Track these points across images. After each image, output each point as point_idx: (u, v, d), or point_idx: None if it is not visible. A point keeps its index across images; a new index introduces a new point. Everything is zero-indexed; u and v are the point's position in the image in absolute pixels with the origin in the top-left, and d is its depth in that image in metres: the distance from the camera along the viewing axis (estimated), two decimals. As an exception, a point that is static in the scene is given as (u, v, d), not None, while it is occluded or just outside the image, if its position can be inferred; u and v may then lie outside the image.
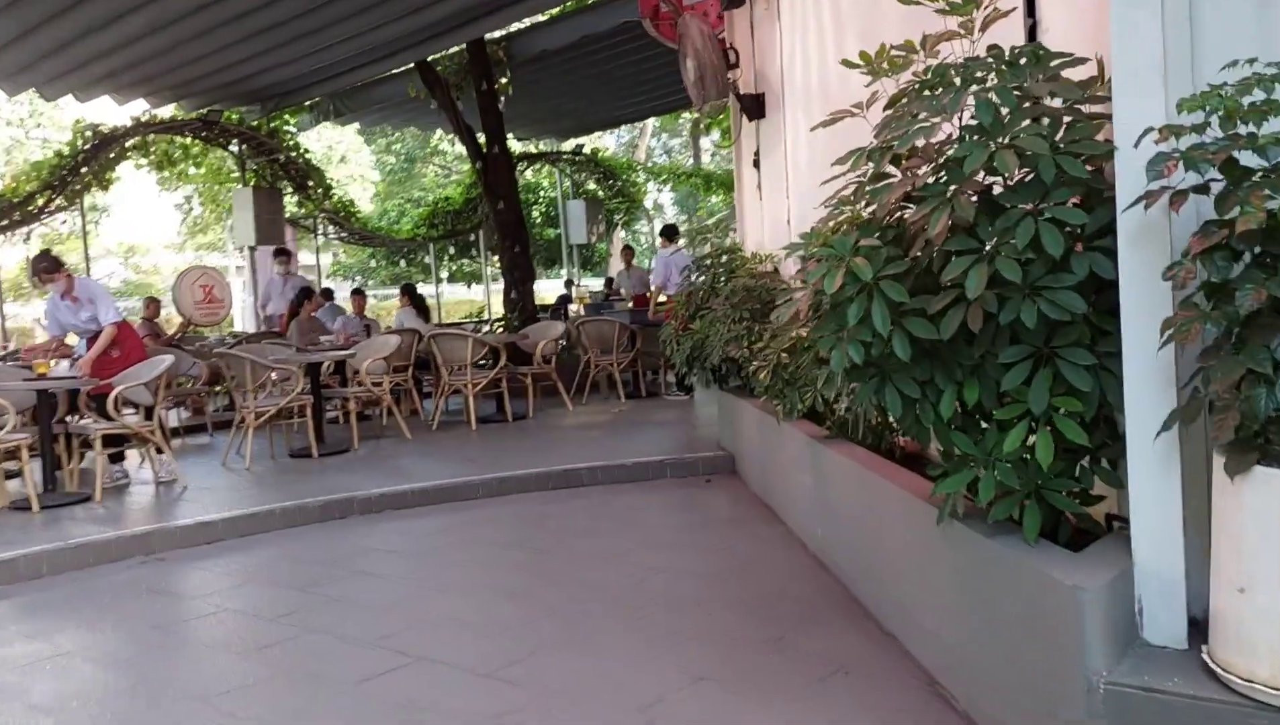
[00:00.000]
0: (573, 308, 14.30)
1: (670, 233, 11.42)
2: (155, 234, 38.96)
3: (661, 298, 12.18)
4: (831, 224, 3.21)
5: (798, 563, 4.92)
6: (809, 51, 6.42)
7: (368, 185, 34.73)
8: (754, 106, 7.54)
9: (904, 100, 3.05)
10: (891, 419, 3.12)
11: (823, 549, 4.83)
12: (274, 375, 8.71)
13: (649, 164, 24.93)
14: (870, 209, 3.07)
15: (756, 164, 7.80)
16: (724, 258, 7.38)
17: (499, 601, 4.67)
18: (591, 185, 20.77)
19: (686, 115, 23.77)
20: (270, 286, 13.21)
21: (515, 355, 10.92)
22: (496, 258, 20.77)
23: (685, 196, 46.00)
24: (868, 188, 3.06)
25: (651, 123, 42.58)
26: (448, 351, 9.95)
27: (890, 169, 3.04)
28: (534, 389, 10.64)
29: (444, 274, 23.56)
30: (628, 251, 14.70)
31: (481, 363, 10.23)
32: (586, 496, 6.93)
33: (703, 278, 7.43)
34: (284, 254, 13.16)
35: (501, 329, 13.51)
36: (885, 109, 3.15)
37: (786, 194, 7.11)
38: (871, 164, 3.11)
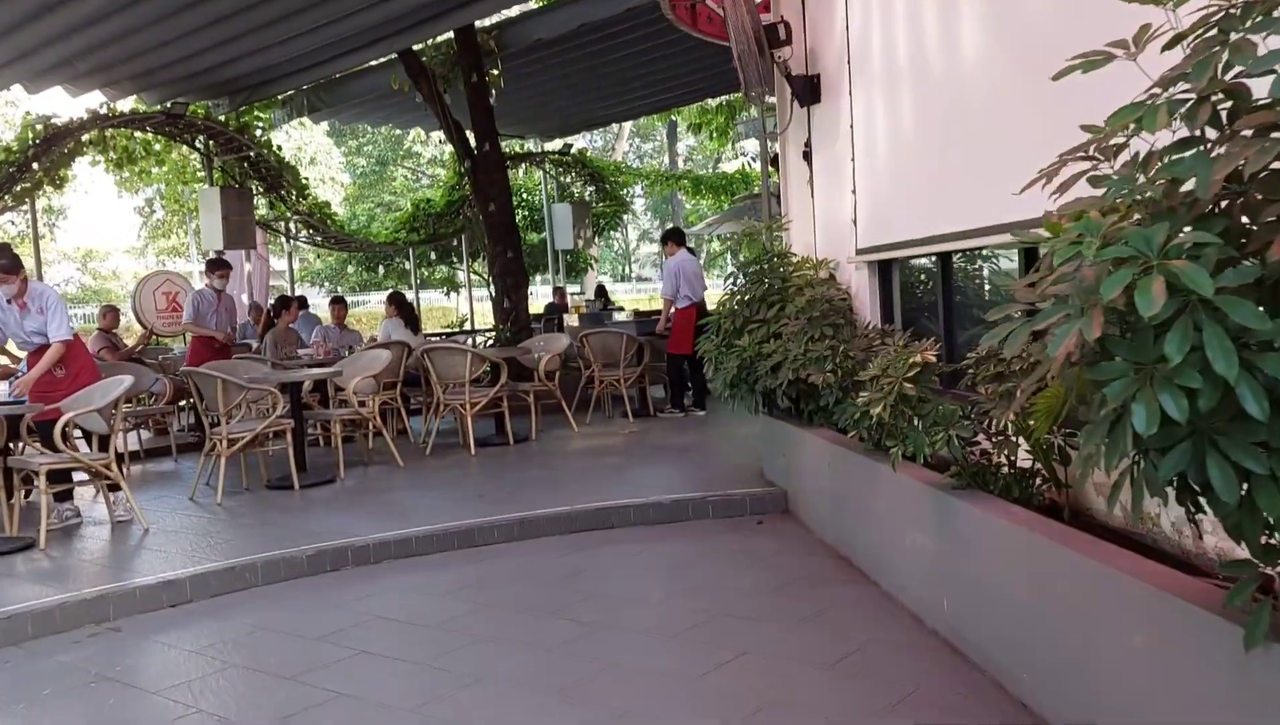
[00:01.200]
0: (567, 318, 13.29)
1: (676, 237, 10.46)
2: (114, 238, 37.44)
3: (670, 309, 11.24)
4: (1090, 212, 2.23)
5: (920, 644, 3.95)
6: (892, 23, 5.48)
7: (338, 188, 33.52)
8: (807, 90, 6.60)
9: (1209, 31, 2.09)
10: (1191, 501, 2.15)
11: (955, 629, 3.87)
12: (249, 396, 7.65)
13: (631, 167, 23.96)
14: (1171, 189, 2.10)
15: (807, 156, 6.85)
16: (777, 264, 6.41)
17: (553, 703, 3.66)
18: (578, 188, 19.79)
19: (677, 115, 22.86)
20: (200, 302, 9.93)
21: (515, 370, 9.92)
22: (479, 264, 19.83)
23: (659, 203, 45.18)
24: (1168, 159, 2.09)
25: (628, 126, 41.72)
26: (443, 368, 8.92)
27: (1208, 131, 2.07)
28: (536, 408, 9.64)
29: (419, 280, 22.44)
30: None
31: (479, 380, 9.20)
32: (621, 542, 5.93)
33: (746, 286, 6.45)
34: (221, 267, 10.25)
35: (492, 341, 12.47)
36: (1166, 49, 2.20)
37: (852, 188, 6.17)
38: (1137, 126, 2.15)
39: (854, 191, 6.17)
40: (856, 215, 6.16)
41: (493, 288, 12.91)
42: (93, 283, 40.12)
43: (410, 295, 19.03)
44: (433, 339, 12.72)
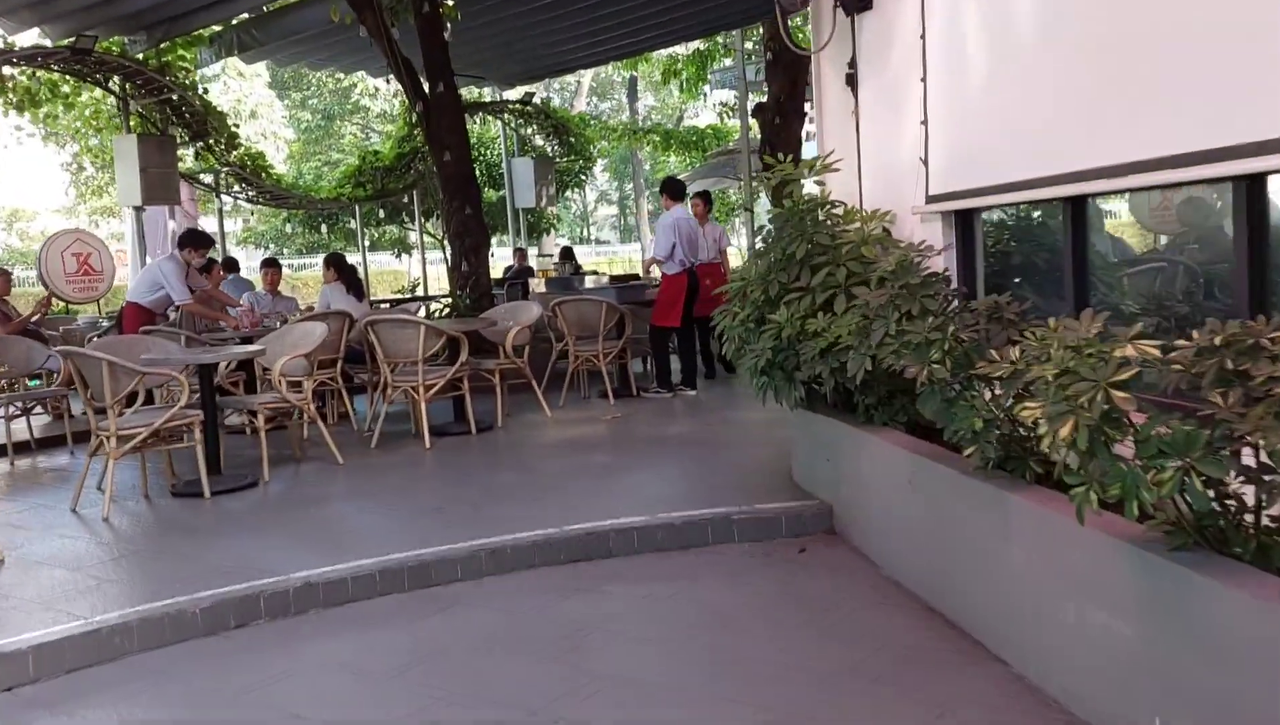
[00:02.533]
0: (534, 283, 11.79)
1: (674, 190, 9.00)
2: (44, 197, 35.11)
3: (656, 272, 9.78)
4: None
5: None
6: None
7: (281, 144, 31.48)
8: (855, -5, 5.16)
9: None
10: None
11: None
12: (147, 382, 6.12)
13: (598, 119, 22.32)
14: None
15: (852, 81, 5.42)
16: (822, 217, 4.99)
17: None
18: (540, 141, 18.20)
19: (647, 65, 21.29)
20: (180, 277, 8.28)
21: (476, 345, 8.44)
22: (434, 223, 18.20)
23: (618, 162, 43.48)
24: None
25: (586, 82, 39.92)
26: (391, 343, 7.41)
27: None
28: (502, 389, 8.18)
29: (366, 242, 20.73)
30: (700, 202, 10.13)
31: (435, 356, 7.72)
32: (626, 580, 4.53)
33: (783, 243, 5.03)
34: (201, 243, 8.52)
35: (449, 310, 10.96)
36: None
37: (921, 117, 4.76)
38: None
39: (924, 122, 4.76)
40: (927, 152, 4.75)
41: (448, 249, 11.39)
42: (19, 245, 37.71)
43: (356, 257, 17.43)
44: (381, 307, 11.20)
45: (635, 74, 39.49)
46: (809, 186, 5.31)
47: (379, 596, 4.44)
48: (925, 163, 4.77)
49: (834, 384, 4.58)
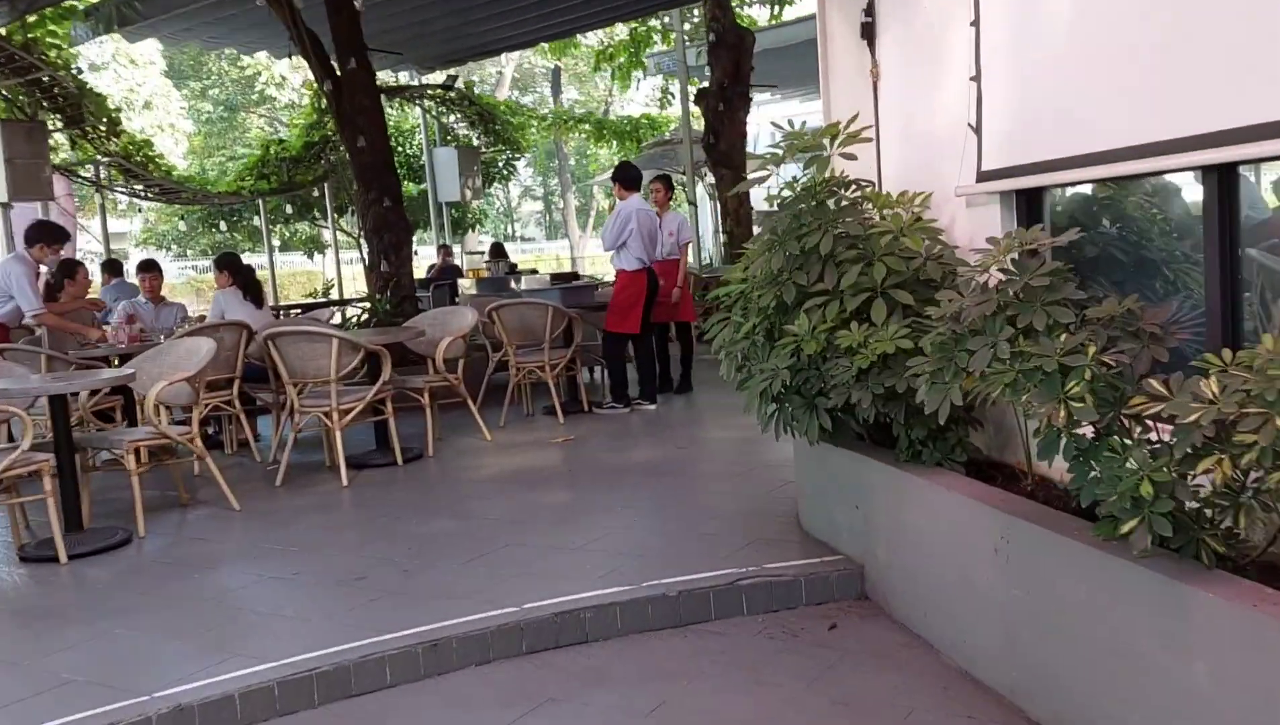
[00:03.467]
0: (464, 284, 10.58)
1: (629, 177, 7.90)
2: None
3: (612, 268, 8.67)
4: None
5: None
6: None
7: (179, 137, 29.51)
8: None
9: None
10: None
11: None
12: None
13: (527, 107, 21.03)
14: None
15: (868, 32, 4.38)
16: (847, 203, 3.94)
17: None
18: (464, 130, 16.95)
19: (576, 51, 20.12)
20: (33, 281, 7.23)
21: (400, 356, 7.25)
22: (348, 220, 16.81)
23: (542, 156, 42.16)
24: None
25: (509, 72, 38.53)
26: (297, 360, 6.19)
27: None
28: (432, 409, 7.01)
29: (276, 241, 19.20)
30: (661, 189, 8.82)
31: (353, 372, 6.50)
32: (614, 683, 3.43)
33: (796, 234, 3.97)
34: (54, 238, 7.47)
35: (367, 316, 9.70)
36: None
37: (972, 72, 3.74)
38: None
39: (974, 77, 3.74)
40: (980, 116, 3.74)
41: (365, 247, 10.13)
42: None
43: (261, 258, 15.97)
44: (289, 315, 9.90)
45: (559, 64, 38.30)
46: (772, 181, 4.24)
47: (279, 717, 3.28)
48: (976, 130, 3.76)
49: (874, 414, 3.54)
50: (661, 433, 7.12)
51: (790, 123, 4.11)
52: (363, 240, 10.12)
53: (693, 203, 15.54)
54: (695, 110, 15.09)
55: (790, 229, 3.89)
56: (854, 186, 4.03)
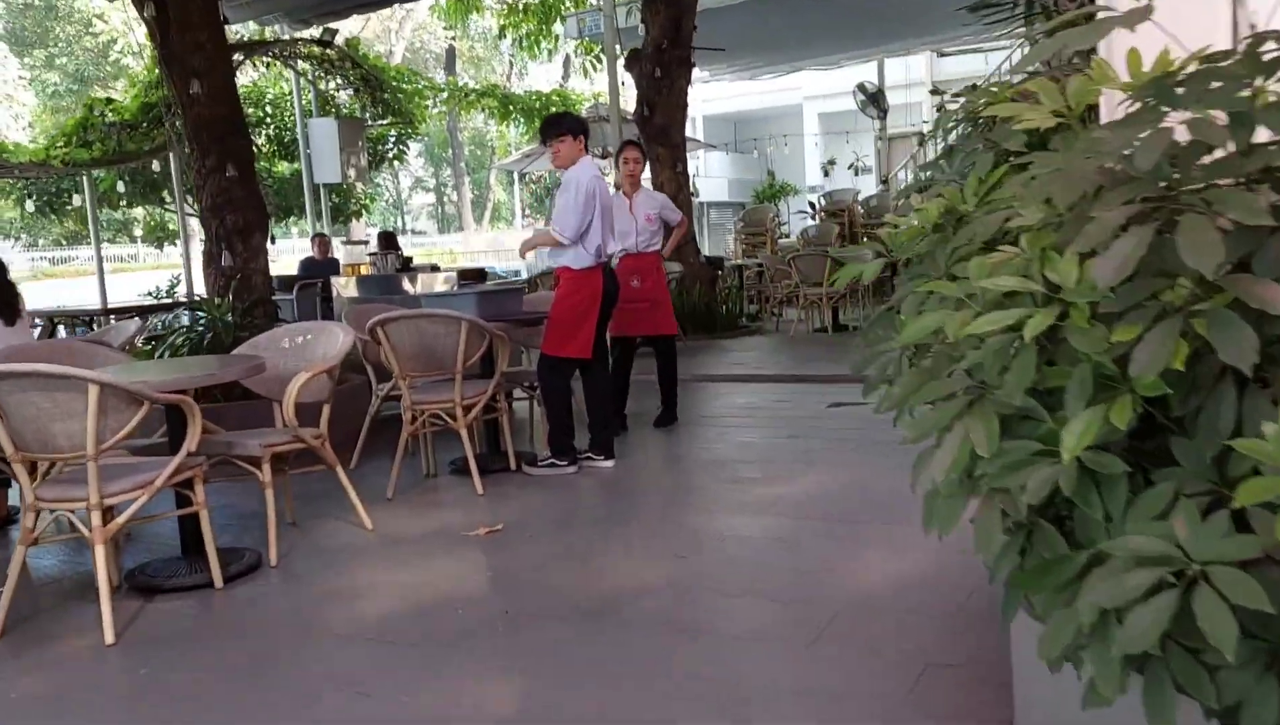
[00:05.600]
0: (339, 285, 7.93)
1: (575, 127, 5.38)
2: None
3: (533, 258, 6.13)
4: None
5: None
6: None
7: (20, 109, 25.72)
8: None
9: None
10: None
11: None
12: None
13: (422, 74, 18.25)
14: None
15: None
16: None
17: None
18: (346, 99, 14.19)
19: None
20: None
21: (231, 393, 4.66)
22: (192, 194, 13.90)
23: (433, 145, 39.17)
24: None
25: (400, 51, 35.41)
26: (29, 422, 3.55)
27: None
28: (283, 485, 4.47)
29: (107, 229, 16.08)
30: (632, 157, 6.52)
31: (141, 432, 3.90)
32: None
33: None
34: None
35: (200, 330, 6.98)
36: None
37: None
38: None
39: None
40: None
41: (202, 231, 7.43)
42: None
43: (86, 251, 12.93)
44: (72, 335, 7.18)
45: (454, 42, 35.46)
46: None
47: None
48: None
49: None
50: (637, 514, 4.67)
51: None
52: (200, 221, 7.40)
53: (619, 187, 13.15)
54: (625, 78, 12.71)
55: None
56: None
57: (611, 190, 5.87)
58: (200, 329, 6.84)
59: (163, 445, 4.16)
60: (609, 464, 5.58)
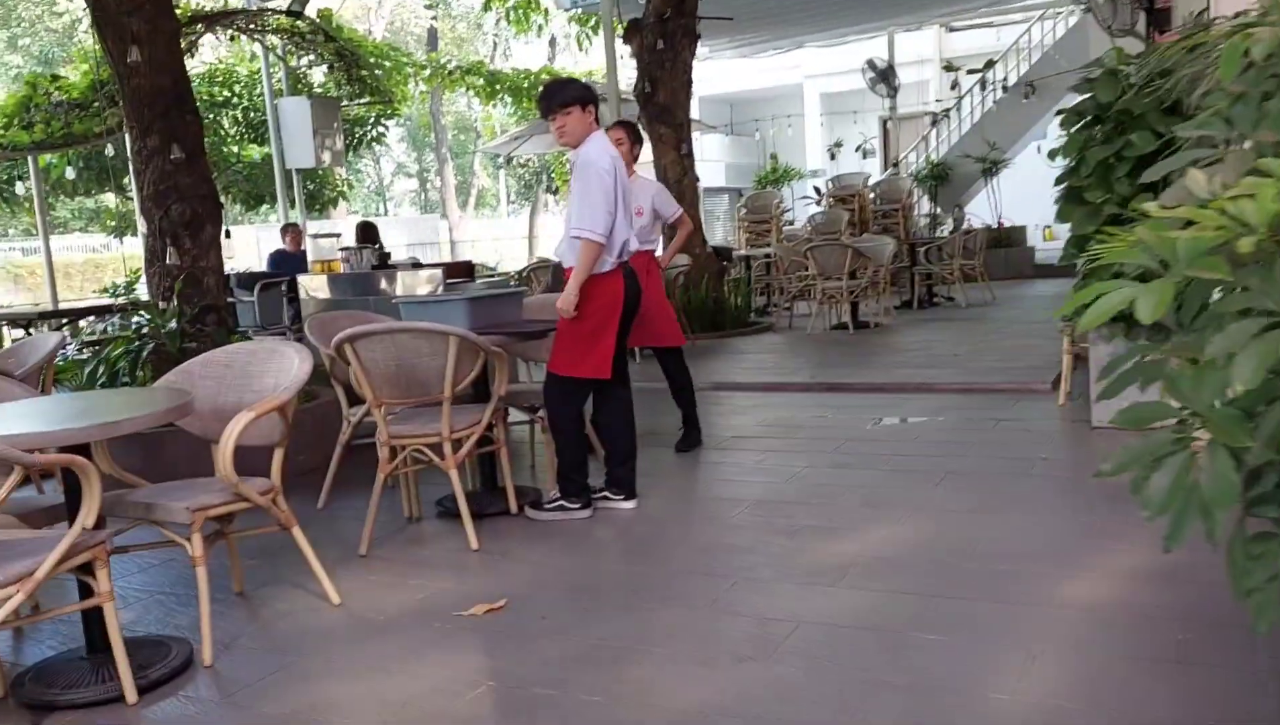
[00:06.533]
0: (306, 284, 6.90)
1: (587, 96, 4.33)
2: None
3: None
4: None
5: None
6: None
7: (-21, 93, 24.46)
8: None
9: None
10: None
11: None
12: None
13: (402, 50, 17.09)
14: None
15: None
16: None
17: None
18: (321, 77, 13.16)
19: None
20: None
21: (153, 453, 3.66)
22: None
23: (416, 129, 37.93)
24: None
25: (380, 30, 34.13)
26: None
27: None
28: (229, 549, 3.49)
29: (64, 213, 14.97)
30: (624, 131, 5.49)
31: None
32: None
33: None
34: None
35: (139, 342, 5.94)
36: None
37: None
38: None
39: None
40: None
41: (143, 224, 6.39)
42: None
43: (31, 242, 11.84)
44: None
45: (434, 23, 34.31)
46: None
47: None
48: None
49: None
50: (675, 584, 3.67)
51: None
52: (140, 212, 6.36)
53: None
54: (623, 52, 11.68)
55: None
56: None
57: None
58: (141, 340, 5.84)
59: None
60: (629, 505, 4.61)
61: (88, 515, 2.75)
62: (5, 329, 9.27)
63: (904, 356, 8.53)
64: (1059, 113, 5.59)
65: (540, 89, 4.69)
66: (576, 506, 4.52)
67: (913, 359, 8.25)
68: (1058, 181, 5.20)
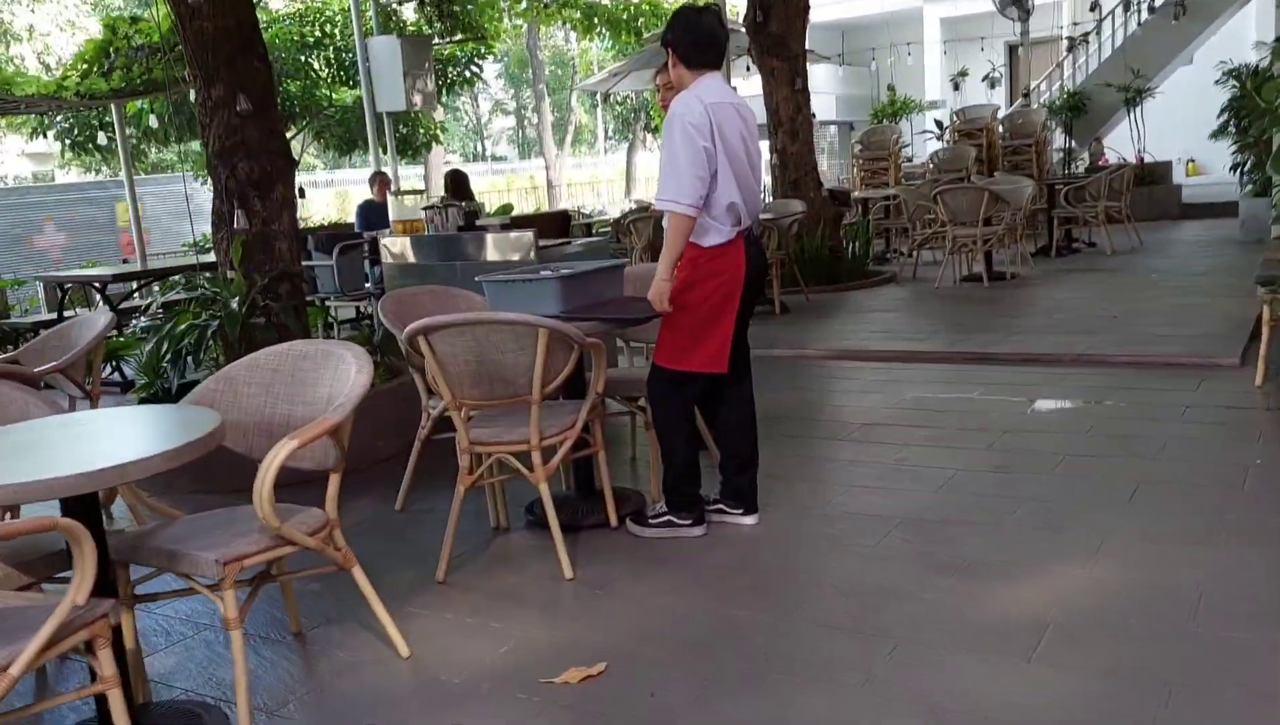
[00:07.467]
0: (390, 248, 6.29)
1: (697, 41, 3.56)
2: None
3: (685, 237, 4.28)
4: None
5: None
6: None
7: (81, 35, 24.55)
8: None
9: None
10: None
11: None
12: None
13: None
14: None
15: None
16: None
17: None
18: (411, 14, 12.52)
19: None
20: None
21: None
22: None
23: (512, 65, 37.15)
24: None
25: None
26: None
27: None
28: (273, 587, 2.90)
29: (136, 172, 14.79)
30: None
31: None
32: None
33: None
34: None
35: (204, 319, 5.41)
36: None
37: None
38: None
39: None
40: None
41: (209, 182, 5.87)
42: None
43: (121, 194, 11.60)
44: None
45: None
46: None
47: None
48: None
49: None
50: (818, 640, 2.95)
51: None
52: (207, 170, 5.83)
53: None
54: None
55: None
56: None
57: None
58: (210, 310, 5.33)
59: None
60: (750, 521, 3.90)
61: (79, 590, 2.16)
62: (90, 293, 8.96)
63: (1052, 317, 7.55)
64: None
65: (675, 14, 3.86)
66: (687, 522, 3.82)
67: (1063, 322, 7.28)
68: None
